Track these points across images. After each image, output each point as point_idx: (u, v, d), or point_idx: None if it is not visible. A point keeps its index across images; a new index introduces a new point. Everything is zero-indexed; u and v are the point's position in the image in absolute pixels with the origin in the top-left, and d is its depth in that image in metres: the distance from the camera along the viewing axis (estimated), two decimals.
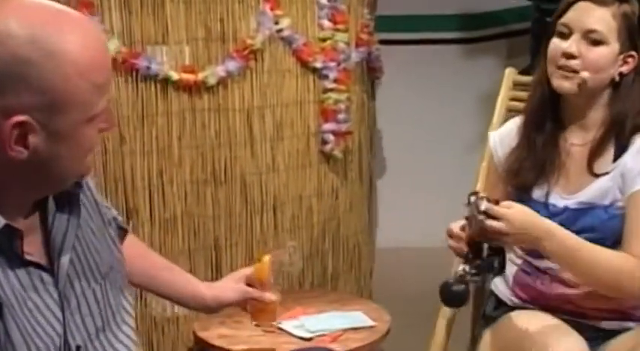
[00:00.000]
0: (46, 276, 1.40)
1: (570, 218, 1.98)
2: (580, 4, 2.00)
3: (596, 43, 1.97)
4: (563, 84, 1.99)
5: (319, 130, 3.07)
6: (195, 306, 1.92)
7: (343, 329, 2.34)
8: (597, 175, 2.00)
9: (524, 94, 2.28)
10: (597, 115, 2.03)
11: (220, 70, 2.80)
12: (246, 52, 2.82)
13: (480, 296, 2.36)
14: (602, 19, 1.96)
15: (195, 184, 2.85)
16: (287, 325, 2.34)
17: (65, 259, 1.42)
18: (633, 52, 2.00)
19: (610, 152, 2.00)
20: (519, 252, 2.12)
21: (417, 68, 4.37)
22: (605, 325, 2.03)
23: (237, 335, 2.24)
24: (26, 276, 1.37)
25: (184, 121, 2.80)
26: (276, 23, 2.89)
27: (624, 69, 2.00)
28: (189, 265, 2.88)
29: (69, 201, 1.45)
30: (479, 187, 2.21)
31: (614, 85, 2.01)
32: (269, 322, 2.18)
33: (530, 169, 2.05)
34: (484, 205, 1.79)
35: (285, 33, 2.92)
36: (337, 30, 3.04)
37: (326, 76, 3.03)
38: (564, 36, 2.00)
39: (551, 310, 2.04)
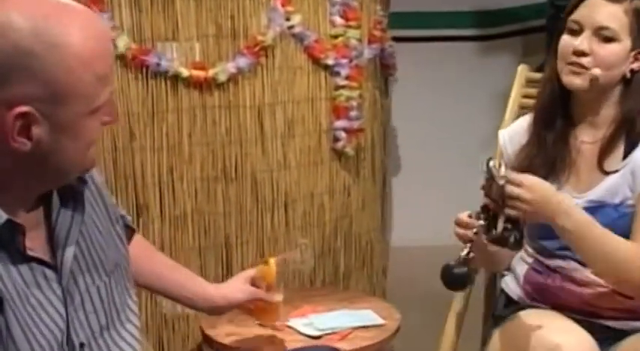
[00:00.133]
0: (49, 272, 1.39)
1: None
2: (591, 0, 1.97)
3: (608, 39, 1.95)
4: (574, 80, 1.97)
5: (331, 128, 3.05)
6: (203, 307, 1.93)
7: (352, 327, 2.32)
8: (607, 173, 1.98)
9: (537, 92, 2.25)
10: (608, 112, 2.01)
11: (231, 67, 2.78)
12: (256, 48, 2.81)
13: (491, 295, 2.35)
14: (614, 16, 1.94)
15: (206, 181, 2.84)
16: (296, 323, 2.32)
17: (69, 255, 1.42)
18: None
19: (620, 150, 1.98)
20: (530, 250, 2.10)
21: (432, 66, 4.35)
22: (617, 324, 2.01)
23: (245, 333, 2.23)
24: (29, 272, 1.37)
25: (195, 117, 2.79)
26: (288, 20, 2.87)
27: (635, 66, 1.98)
28: (200, 262, 2.87)
29: (73, 197, 1.45)
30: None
31: (626, 82, 1.99)
32: (272, 322, 2.20)
33: (540, 167, 2.03)
34: (504, 170, 1.77)
35: (297, 29, 2.90)
36: (349, 26, 3.02)
37: (338, 73, 3.01)
38: (575, 32, 1.97)
39: (562, 310, 2.02)
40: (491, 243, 1.81)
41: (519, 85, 2.48)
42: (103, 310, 1.49)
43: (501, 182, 1.75)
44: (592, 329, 1.94)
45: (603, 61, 1.95)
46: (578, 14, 1.97)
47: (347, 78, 3.02)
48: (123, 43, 2.65)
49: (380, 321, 2.36)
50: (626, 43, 1.95)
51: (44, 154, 1.32)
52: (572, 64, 1.96)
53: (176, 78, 2.73)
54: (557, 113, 2.04)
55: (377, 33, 3.24)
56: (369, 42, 3.20)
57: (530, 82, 2.45)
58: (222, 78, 2.77)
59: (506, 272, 2.20)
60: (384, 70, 3.51)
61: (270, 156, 2.92)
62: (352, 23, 3.03)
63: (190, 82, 2.75)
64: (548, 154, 2.03)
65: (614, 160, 1.98)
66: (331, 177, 3.11)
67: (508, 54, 4.26)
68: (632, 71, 1.98)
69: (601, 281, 1.99)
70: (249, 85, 2.84)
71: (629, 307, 1.99)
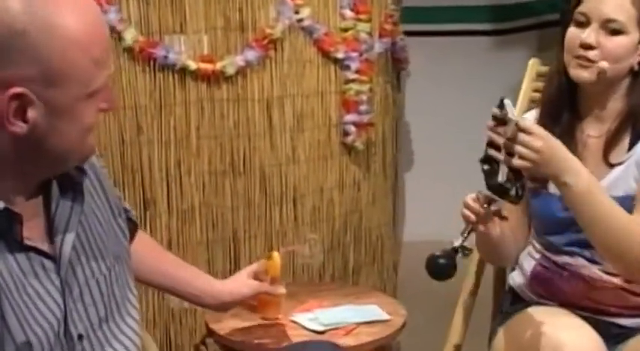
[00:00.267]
0: (47, 262, 1.39)
1: None
2: None
3: (615, 32, 1.92)
4: (581, 74, 1.94)
5: (341, 122, 3.03)
6: (211, 303, 1.94)
7: (357, 323, 2.30)
8: (612, 166, 1.95)
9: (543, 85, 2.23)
10: (615, 105, 1.98)
11: (239, 60, 2.77)
12: (265, 41, 2.79)
13: (499, 291, 2.33)
14: (621, 8, 1.90)
15: (214, 175, 2.83)
16: (301, 317, 2.31)
17: (67, 246, 1.42)
18: None
19: (625, 142, 1.95)
20: (538, 246, 2.08)
21: (446, 60, 4.32)
22: (625, 322, 1.98)
23: (249, 327, 2.22)
24: (26, 261, 1.36)
25: (203, 111, 2.78)
26: (297, 12, 2.86)
27: None
28: (208, 256, 2.87)
29: (73, 187, 1.45)
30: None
31: (633, 74, 1.96)
32: (275, 316, 2.20)
33: None
34: (517, 115, 1.72)
35: (306, 23, 2.88)
36: (359, 20, 3.01)
37: (347, 67, 2.99)
38: (582, 25, 1.94)
39: (570, 307, 2.00)
40: (492, 192, 1.77)
41: (530, 79, 2.46)
42: (103, 303, 1.48)
43: (513, 124, 1.70)
44: (599, 327, 1.92)
45: (611, 53, 1.92)
46: (585, 6, 1.94)
47: (357, 72, 3.00)
48: (130, 35, 2.64)
49: (385, 316, 2.34)
50: (634, 35, 1.92)
51: (41, 137, 1.32)
52: (579, 57, 1.93)
53: (184, 71, 2.72)
54: (563, 107, 2.02)
55: (388, 27, 3.22)
56: (380, 36, 3.18)
57: (541, 76, 2.42)
58: (231, 71, 2.76)
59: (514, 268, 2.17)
60: (395, 64, 3.49)
61: (278, 150, 2.91)
62: (362, 16, 3.01)
63: (198, 75, 2.74)
64: None
65: (619, 152, 1.96)
66: (341, 171, 3.09)
67: (523, 48, 4.22)
68: None
69: (609, 278, 1.96)
70: (258, 78, 2.83)
71: (637, 305, 1.97)
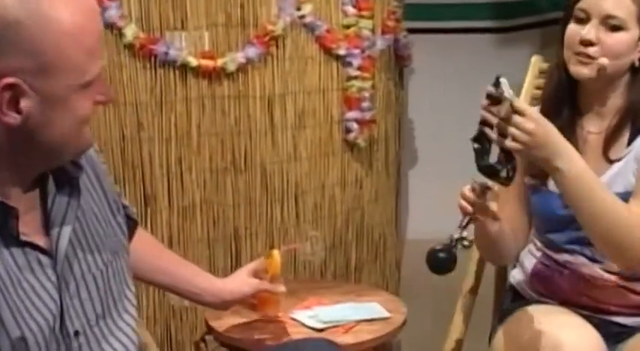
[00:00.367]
0: (44, 258, 1.39)
1: None
2: None
3: (615, 28, 1.90)
4: (581, 70, 1.93)
5: (342, 119, 3.02)
6: (211, 302, 1.94)
7: (357, 321, 2.29)
8: (612, 162, 1.94)
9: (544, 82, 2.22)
10: (615, 101, 1.97)
11: (240, 57, 2.76)
12: (266, 38, 2.78)
13: (500, 289, 2.32)
14: (621, 4, 1.89)
15: (215, 172, 2.83)
16: (300, 315, 2.30)
17: (64, 241, 1.41)
18: None
19: (625, 138, 1.94)
20: (539, 244, 2.07)
21: (450, 58, 4.30)
22: (626, 321, 1.97)
23: (249, 325, 2.21)
24: (22, 256, 1.36)
25: (203, 107, 2.77)
26: (298, 9, 2.85)
27: None
28: (209, 254, 2.86)
29: (69, 182, 1.45)
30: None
31: (634, 70, 1.94)
32: (275, 314, 2.20)
33: None
34: (512, 96, 1.69)
35: (308, 19, 2.87)
36: (362, 16, 2.99)
37: (350, 64, 2.98)
38: (582, 21, 1.93)
39: (570, 305, 1.99)
40: (482, 173, 1.74)
41: (532, 76, 2.44)
42: (99, 299, 1.48)
43: (507, 104, 1.68)
44: (600, 326, 1.91)
45: (611, 50, 1.90)
46: (585, 2, 1.92)
47: (359, 68, 2.99)
48: (131, 32, 2.63)
49: (386, 314, 2.33)
50: (634, 31, 1.91)
51: (35, 128, 1.32)
52: (579, 53, 1.92)
53: (185, 67, 2.72)
54: (564, 103, 2.01)
55: (390, 23, 3.20)
56: (383, 32, 3.17)
57: (543, 74, 2.41)
58: (232, 68, 2.75)
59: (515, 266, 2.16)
60: (398, 61, 3.48)
61: (280, 147, 2.90)
62: (365, 13, 3.00)
63: (199, 72, 2.73)
64: None
65: (618, 148, 1.95)
66: (343, 169, 3.08)
67: (526, 46, 4.19)
68: None
69: (610, 277, 1.96)
70: (259, 75, 2.82)
71: (638, 304, 1.96)
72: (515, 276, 2.14)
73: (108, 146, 2.69)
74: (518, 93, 2.44)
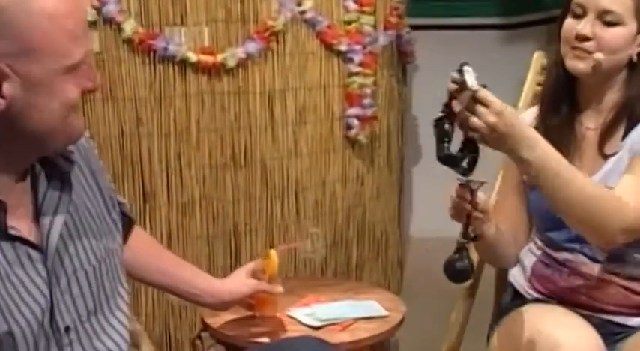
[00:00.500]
0: (34, 253, 1.38)
1: None
2: None
3: (612, 23, 1.88)
4: (577, 65, 1.91)
5: (344, 115, 3.01)
6: (210, 302, 1.94)
7: (355, 318, 2.27)
8: (607, 157, 1.92)
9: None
10: (612, 97, 1.94)
11: (240, 52, 2.76)
12: (267, 33, 2.78)
13: (500, 288, 2.30)
14: None
15: (214, 168, 2.82)
16: (297, 312, 2.28)
17: (55, 235, 1.40)
18: None
19: (620, 133, 1.91)
20: (539, 243, 2.05)
21: (454, 54, 4.25)
22: (625, 321, 1.94)
23: (245, 322, 2.19)
24: (12, 250, 1.35)
25: (203, 103, 2.77)
26: (299, 5, 2.84)
27: None
28: (208, 250, 2.86)
29: (61, 177, 1.44)
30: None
31: (632, 66, 1.92)
32: (273, 313, 2.20)
33: None
34: (477, 86, 1.61)
35: (308, 15, 2.86)
36: (363, 12, 2.98)
37: (351, 60, 2.97)
38: (578, 16, 1.91)
39: (569, 304, 1.96)
40: (440, 162, 1.68)
41: (534, 72, 2.42)
42: (92, 295, 1.47)
43: (469, 93, 1.60)
44: (599, 325, 1.88)
45: (607, 45, 1.88)
46: None
47: (360, 65, 2.98)
48: (130, 27, 2.63)
49: (384, 312, 2.31)
50: (631, 26, 1.88)
51: (20, 114, 1.31)
52: (575, 48, 1.90)
53: (184, 63, 2.72)
54: (562, 99, 1.98)
55: (393, 19, 3.19)
56: (385, 28, 3.15)
57: (545, 69, 2.39)
58: (231, 63, 2.75)
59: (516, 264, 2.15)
60: (401, 57, 3.46)
61: (280, 143, 2.89)
62: (366, 9, 2.99)
63: (198, 68, 2.73)
64: (552, 140, 1.96)
65: (614, 143, 1.92)
66: (344, 165, 3.07)
67: (531, 43, 4.16)
68: (639, 55, 1.91)
69: (610, 277, 1.93)
70: (259, 70, 2.82)
71: (637, 304, 1.93)
72: (515, 275, 2.12)
73: (107, 142, 2.69)
74: (520, 90, 2.42)
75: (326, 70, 2.96)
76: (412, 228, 4.17)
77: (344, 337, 2.18)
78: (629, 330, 1.93)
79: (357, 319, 2.28)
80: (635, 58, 1.91)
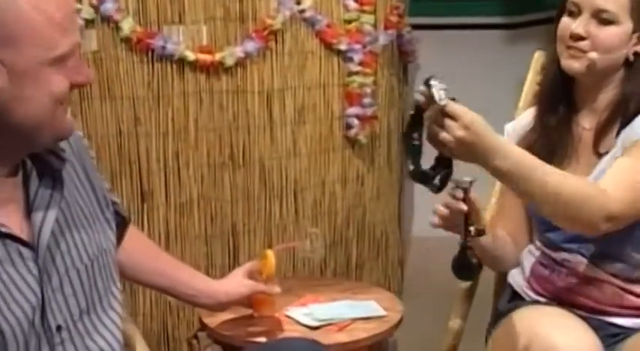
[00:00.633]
0: (25, 251, 1.37)
1: None
2: None
3: (607, 22, 1.86)
4: (572, 64, 1.90)
5: (343, 115, 3.00)
6: (207, 303, 1.94)
7: (352, 319, 2.26)
8: (601, 156, 1.90)
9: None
10: (608, 97, 1.93)
11: (239, 51, 2.75)
12: (265, 32, 2.76)
13: (500, 290, 2.29)
14: None
15: (213, 168, 2.81)
16: (295, 312, 2.27)
17: (46, 233, 1.40)
18: None
19: (615, 132, 1.90)
20: (538, 243, 2.04)
21: (456, 54, 4.27)
22: (624, 322, 1.92)
23: (242, 322, 2.18)
24: (2, 248, 1.35)
25: (201, 102, 2.76)
26: (298, 3, 2.83)
27: (639, 48, 1.89)
28: (206, 250, 2.85)
29: (52, 175, 1.43)
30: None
31: (628, 65, 1.90)
32: (271, 314, 2.19)
33: (539, 152, 1.94)
34: (445, 100, 1.56)
35: (308, 14, 2.85)
36: (363, 11, 2.97)
37: (351, 59, 2.95)
38: (574, 15, 1.90)
39: (568, 306, 1.95)
40: (413, 179, 1.66)
41: (535, 72, 2.41)
42: (84, 294, 1.46)
43: (437, 107, 1.55)
44: (598, 327, 1.87)
45: (602, 44, 1.87)
46: None
47: (360, 64, 2.97)
48: (128, 25, 2.62)
49: (382, 312, 2.30)
50: (626, 25, 1.87)
51: (6, 106, 1.30)
52: (570, 47, 1.89)
53: (182, 62, 2.71)
54: (559, 98, 1.97)
55: (393, 18, 3.17)
56: (385, 27, 3.14)
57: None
58: (230, 62, 2.74)
59: None
60: (402, 56, 3.45)
61: (279, 143, 2.88)
62: (366, 8, 2.98)
63: (197, 66, 2.72)
64: (548, 140, 1.96)
65: (608, 142, 1.91)
66: (344, 165, 3.06)
67: (533, 43, 4.14)
68: (635, 54, 1.90)
69: (608, 278, 1.92)
70: (258, 69, 2.80)
71: (636, 305, 1.92)
72: (514, 276, 2.11)
73: (104, 141, 2.68)
74: (521, 90, 2.41)
75: (325, 70, 2.94)
76: (413, 227, 4.15)
77: (341, 337, 2.18)
78: (628, 331, 1.91)
79: (355, 320, 2.27)
80: (631, 58, 1.90)
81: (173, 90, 2.72)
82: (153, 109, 2.71)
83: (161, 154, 2.74)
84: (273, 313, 2.20)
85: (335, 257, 3.08)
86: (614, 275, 1.92)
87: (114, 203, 1.65)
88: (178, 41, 2.69)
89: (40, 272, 1.38)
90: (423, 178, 1.64)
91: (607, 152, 1.90)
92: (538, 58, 2.43)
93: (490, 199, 2.22)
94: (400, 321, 2.30)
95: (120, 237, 1.71)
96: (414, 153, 1.63)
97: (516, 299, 2.06)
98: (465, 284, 2.23)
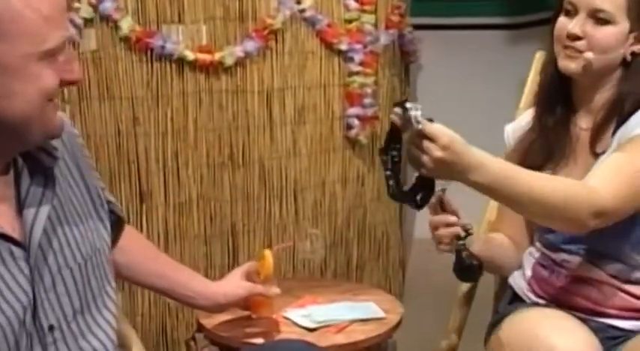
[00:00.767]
0: (16, 250, 1.36)
1: None
2: None
3: (603, 22, 1.85)
4: (568, 65, 1.89)
5: (344, 115, 2.98)
6: (205, 305, 1.93)
7: (351, 320, 2.25)
8: (598, 156, 1.89)
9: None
10: (605, 97, 1.91)
11: (238, 51, 2.74)
12: (265, 32, 2.76)
13: (500, 291, 2.27)
14: None
15: (212, 168, 2.80)
16: (293, 314, 2.26)
17: (37, 232, 1.38)
18: None
19: (611, 131, 1.88)
20: (538, 245, 2.03)
21: (459, 54, 4.26)
22: (624, 325, 1.91)
23: (239, 324, 2.17)
24: None
25: (200, 102, 2.75)
26: (298, 3, 2.82)
27: (636, 48, 1.88)
28: (206, 251, 2.84)
29: (44, 173, 1.42)
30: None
31: (626, 65, 1.89)
32: (270, 315, 2.18)
33: (537, 151, 1.96)
34: (422, 123, 1.55)
35: (308, 13, 2.84)
36: (364, 11, 2.96)
37: (351, 59, 2.95)
38: (570, 14, 1.89)
39: (568, 308, 1.93)
40: (392, 198, 1.67)
41: (536, 72, 2.39)
42: (77, 293, 1.45)
43: (415, 130, 1.55)
44: (598, 329, 1.86)
45: (598, 44, 1.86)
46: None
47: (361, 64, 2.96)
48: (127, 24, 2.61)
49: (381, 314, 2.29)
50: (623, 25, 1.86)
51: None
52: (566, 47, 1.89)
53: (181, 61, 2.69)
54: (556, 98, 1.96)
55: (394, 18, 3.16)
56: (386, 27, 3.13)
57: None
58: (229, 62, 2.72)
59: None
60: (404, 57, 3.44)
61: (278, 143, 2.87)
62: (367, 7, 2.97)
63: (196, 66, 2.71)
64: (546, 140, 1.96)
65: (604, 142, 1.89)
66: (344, 166, 3.05)
67: (535, 43, 4.13)
68: (633, 54, 1.88)
69: (608, 279, 1.91)
70: (258, 69, 2.80)
71: (637, 307, 1.90)
72: (515, 277, 2.09)
73: (103, 141, 2.67)
74: (522, 90, 2.40)
75: (326, 70, 2.93)
76: (414, 228, 4.14)
77: (339, 339, 2.16)
78: (628, 334, 1.90)
79: (353, 321, 2.25)
80: (628, 58, 1.89)
81: (172, 90, 2.70)
82: (152, 108, 2.70)
83: (160, 154, 2.73)
84: (271, 314, 2.19)
85: (335, 258, 3.07)
86: (614, 276, 1.90)
87: (109, 202, 1.63)
88: (178, 41, 2.68)
89: (31, 272, 1.37)
90: (402, 198, 1.67)
91: (604, 152, 1.88)
92: (539, 58, 2.42)
93: (488, 203, 2.21)
94: (399, 323, 2.29)
95: (116, 237, 1.69)
96: (393, 171, 1.64)
97: (517, 301, 2.05)
98: (465, 287, 2.22)
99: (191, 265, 2.68)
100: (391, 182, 1.64)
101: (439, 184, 1.72)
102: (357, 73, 2.95)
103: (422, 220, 4.20)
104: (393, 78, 3.29)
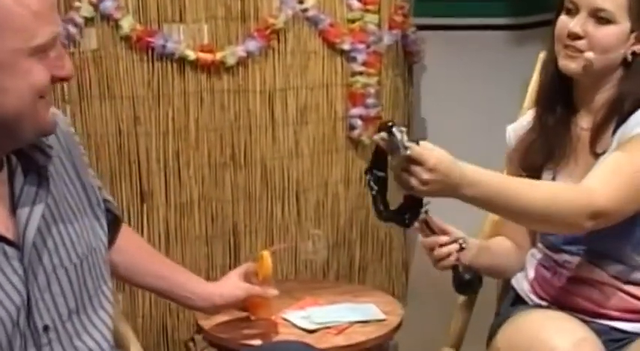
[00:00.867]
0: (10, 250, 1.35)
1: None
2: None
3: (604, 21, 1.84)
4: (569, 65, 1.88)
5: (347, 115, 2.97)
6: (203, 306, 1.93)
7: (351, 322, 2.24)
8: (598, 156, 1.88)
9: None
10: (605, 97, 1.90)
11: (240, 50, 2.72)
12: (267, 31, 2.74)
13: (503, 293, 2.26)
14: None
15: (213, 168, 2.78)
16: (293, 315, 2.25)
17: (31, 231, 1.37)
18: None
19: (611, 131, 1.87)
20: (540, 246, 2.03)
21: (463, 55, 4.24)
22: (627, 327, 1.90)
23: (238, 325, 2.17)
24: None
25: (202, 102, 2.73)
26: (301, 2, 2.80)
27: (637, 48, 1.87)
28: (207, 251, 2.82)
29: (38, 172, 1.41)
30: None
31: (626, 65, 1.88)
32: (269, 316, 2.18)
33: (538, 151, 1.95)
34: (408, 147, 1.54)
35: (311, 13, 2.82)
36: (367, 11, 2.94)
37: (354, 59, 2.92)
38: (571, 13, 1.88)
39: (570, 310, 1.92)
40: (380, 219, 1.67)
41: (538, 73, 2.38)
42: (73, 294, 1.44)
43: (401, 154, 1.54)
44: (600, 332, 1.85)
45: (599, 43, 1.85)
46: None
47: (364, 64, 2.94)
48: (128, 23, 2.60)
49: (381, 316, 2.28)
50: (624, 24, 1.85)
51: None
52: (567, 47, 1.88)
53: (183, 61, 2.68)
54: (557, 98, 1.96)
55: (398, 18, 3.14)
56: (390, 27, 3.10)
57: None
58: (231, 61, 2.71)
59: None
60: (407, 57, 3.41)
61: (280, 143, 2.86)
62: (370, 7, 2.94)
63: (197, 66, 2.69)
64: (547, 140, 1.95)
65: (604, 142, 1.88)
66: (347, 166, 3.03)
67: (539, 44, 4.11)
68: (633, 54, 1.87)
69: (610, 280, 1.90)
70: (260, 69, 2.78)
71: (638, 308, 1.89)
72: (518, 279, 2.09)
73: (104, 140, 2.66)
74: (526, 91, 2.38)
75: (328, 70, 2.91)
76: None
77: (339, 340, 2.16)
78: (631, 336, 1.89)
79: (353, 323, 2.24)
80: (629, 58, 1.88)
81: (173, 89, 2.69)
82: (153, 108, 2.69)
83: (161, 153, 2.72)
84: (270, 315, 2.18)
85: (338, 259, 3.05)
86: (615, 277, 1.90)
87: (105, 201, 1.63)
88: (179, 40, 2.66)
89: (25, 271, 1.36)
90: (391, 218, 1.67)
91: (604, 152, 1.87)
92: (543, 59, 2.40)
93: None
94: (399, 325, 2.28)
95: (113, 236, 1.69)
96: (380, 192, 1.64)
97: (519, 303, 2.05)
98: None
99: (192, 265, 2.68)
100: (379, 203, 1.64)
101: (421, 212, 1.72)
102: (360, 73, 2.94)
103: None
104: (397, 78, 3.27)
